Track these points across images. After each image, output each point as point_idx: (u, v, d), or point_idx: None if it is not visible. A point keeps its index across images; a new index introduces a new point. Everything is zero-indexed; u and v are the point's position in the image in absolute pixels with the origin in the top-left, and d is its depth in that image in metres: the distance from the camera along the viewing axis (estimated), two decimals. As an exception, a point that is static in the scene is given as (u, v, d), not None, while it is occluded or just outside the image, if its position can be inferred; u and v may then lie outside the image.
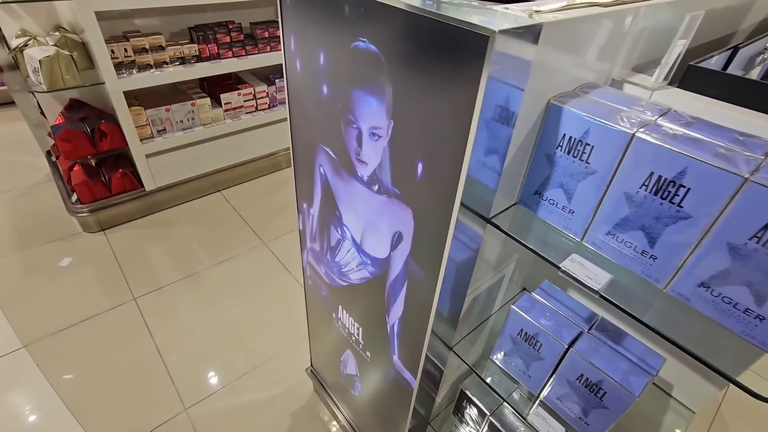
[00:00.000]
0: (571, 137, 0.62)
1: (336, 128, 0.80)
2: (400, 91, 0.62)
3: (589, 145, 0.60)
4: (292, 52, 0.83)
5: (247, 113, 2.78)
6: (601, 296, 0.59)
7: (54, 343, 1.85)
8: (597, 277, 0.60)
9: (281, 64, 2.73)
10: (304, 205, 1.09)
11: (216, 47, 2.46)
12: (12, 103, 3.64)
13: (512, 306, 0.81)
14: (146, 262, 2.31)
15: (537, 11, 0.56)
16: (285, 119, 2.97)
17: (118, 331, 1.92)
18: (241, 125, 2.74)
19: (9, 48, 2.03)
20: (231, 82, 2.79)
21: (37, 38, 2.01)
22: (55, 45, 2.01)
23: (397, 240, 0.77)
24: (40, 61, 1.87)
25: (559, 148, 0.64)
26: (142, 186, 2.53)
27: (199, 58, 2.43)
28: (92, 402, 1.64)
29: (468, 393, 1.11)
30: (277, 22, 2.66)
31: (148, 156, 2.43)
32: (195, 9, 2.51)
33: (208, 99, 2.57)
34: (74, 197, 2.39)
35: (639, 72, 0.79)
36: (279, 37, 2.72)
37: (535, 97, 0.62)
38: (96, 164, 2.49)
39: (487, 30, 0.47)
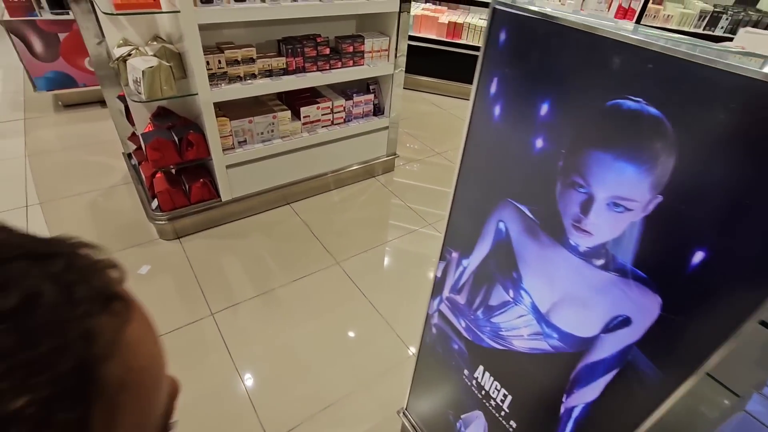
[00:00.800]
0: None
1: (545, 187, 0.69)
2: (689, 166, 0.51)
3: None
4: (491, 95, 0.74)
5: (323, 127, 2.74)
6: None
7: (137, 356, 1.82)
8: None
9: (360, 80, 2.65)
10: (453, 254, 0.99)
11: (302, 60, 2.42)
12: (88, 103, 3.74)
13: (745, 411, 0.68)
14: (222, 274, 2.28)
15: None
16: (360, 134, 2.92)
17: (199, 349, 1.88)
18: (317, 139, 2.69)
19: (111, 56, 2.05)
20: (309, 95, 2.76)
21: (139, 48, 2.02)
22: (155, 55, 2.01)
23: (618, 324, 0.66)
24: (143, 71, 1.87)
25: None
26: (219, 196, 2.51)
27: (286, 71, 2.40)
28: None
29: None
30: (362, 36, 2.62)
31: (228, 167, 2.41)
32: (284, 21, 2.49)
33: (289, 112, 2.54)
34: (155, 204, 2.39)
35: None
36: (362, 52, 2.67)
37: None
38: (176, 172, 2.49)
39: None
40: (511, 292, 0.85)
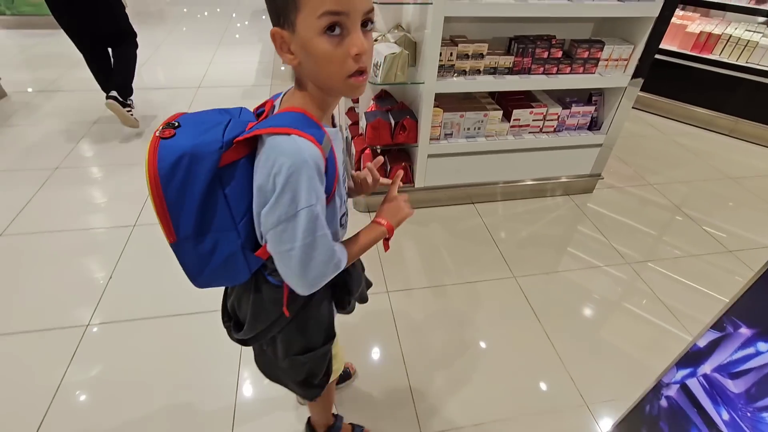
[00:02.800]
0: None
1: None
2: None
3: None
4: None
5: (530, 133, 2.59)
6: None
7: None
8: None
9: (583, 89, 2.38)
10: (742, 329, 0.78)
11: (530, 61, 2.30)
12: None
13: None
14: (400, 256, 2.37)
15: None
16: (567, 147, 2.67)
17: (370, 319, 1.99)
18: (522, 144, 2.56)
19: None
20: (523, 97, 2.63)
21: (384, 35, 2.18)
22: (396, 42, 2.14)
23: None
24: (385, 56, 2.01)
25: None
26: (413, 182, 2.61)
27: (510, 71, 2.31)
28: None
29: None
30: (602, 42, 2.35)
31: (429, 156, 2.48)
32: (519, 19, 2.40)
33: (500, 112, 2.46)
34: (357, 177, 2.61)
35: None
36: (597, 59, 2.41)
37: None
38: (380, 152, 2.66)
39: None
40: None
